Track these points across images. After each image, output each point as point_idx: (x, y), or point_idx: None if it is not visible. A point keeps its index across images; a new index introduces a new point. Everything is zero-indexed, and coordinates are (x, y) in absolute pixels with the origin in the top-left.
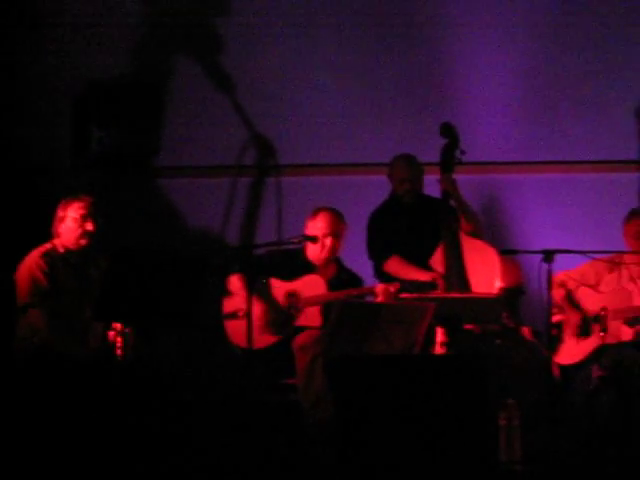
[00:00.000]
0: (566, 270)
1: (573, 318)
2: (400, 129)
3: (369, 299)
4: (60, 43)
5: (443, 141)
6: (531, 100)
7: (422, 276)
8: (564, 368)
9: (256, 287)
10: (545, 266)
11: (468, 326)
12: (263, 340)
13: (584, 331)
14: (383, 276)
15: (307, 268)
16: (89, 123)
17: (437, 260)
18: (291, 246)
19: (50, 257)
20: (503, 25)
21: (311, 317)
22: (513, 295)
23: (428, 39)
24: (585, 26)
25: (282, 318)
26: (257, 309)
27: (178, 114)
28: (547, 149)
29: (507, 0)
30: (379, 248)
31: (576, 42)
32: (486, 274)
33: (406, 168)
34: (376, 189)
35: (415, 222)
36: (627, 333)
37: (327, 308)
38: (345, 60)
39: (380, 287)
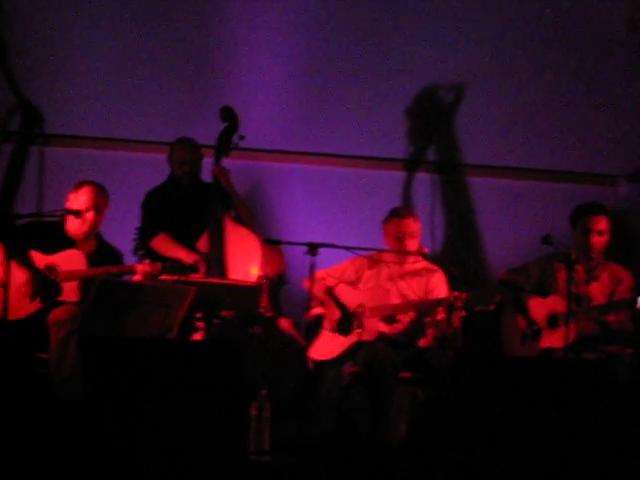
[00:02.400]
0: (327, 267)
1: (333, 314)
2: (175, 110)
3: (128, 277)
4: None
5: (217, 124)
6: (305, 92)
7: (186, 256)
8: (319, 363)
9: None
10: (309, 259)
11: (226, 313)
12: (22, 311)
13: (343, 327)
14: (149, 254)
15: (67, 242)
16: None
17: (203, 244)
18: (51, 218)
19: None
20: (283, 11)
21: (68, 292)
22: (273, 285)
23: (207, 23)
24: (363, 21)
25: (45, 287)
26: (18, 278)
27: None
28: (319, 141)
29: None
30: (150, 225)
31: (353, 36)
32: (246, 262)
33: (186, 151)
34: (145, 167)
35: (189, 205)
36: (383, 331)
37: (85, 284)
38: (125, 36)
39: (140, 266)
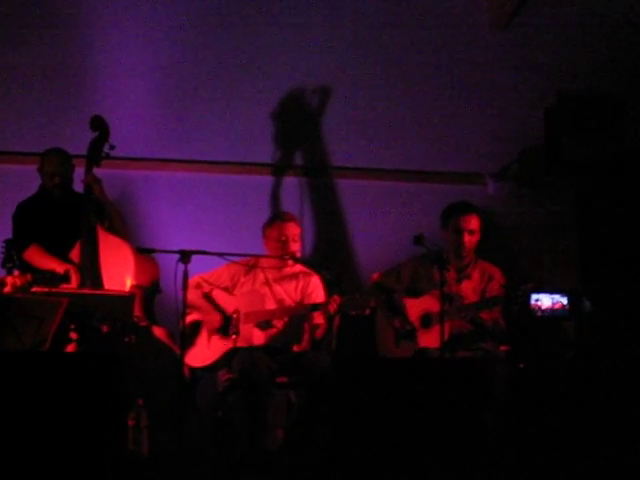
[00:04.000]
0: (202, 273)
1: (213, 318)
2: (45, 121)
3: None
4: None
5: (88, 133)
6: (173, 99)
7: (58, 266)
8: (194, 370)
9: None
10: (181, 266)
11: (102, 325)
12: None
13: (226, 329)
14: (22, 266)
15: None
16: None
17: (76, 254)
18: None
19: None
20: (147, 19)
21: None
22: (147, 293)
23: (77, 34)
24: (227, 27)
25: None
26: None
27: None
28: (183, 148)
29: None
30: (21, 237)
31: (217, 41)
32: (119, 271)
33: (57, 162)
34: (13, 179)
35: (61, 216)
36: (258, 337)
37: None
38: None
39: (10, 278)
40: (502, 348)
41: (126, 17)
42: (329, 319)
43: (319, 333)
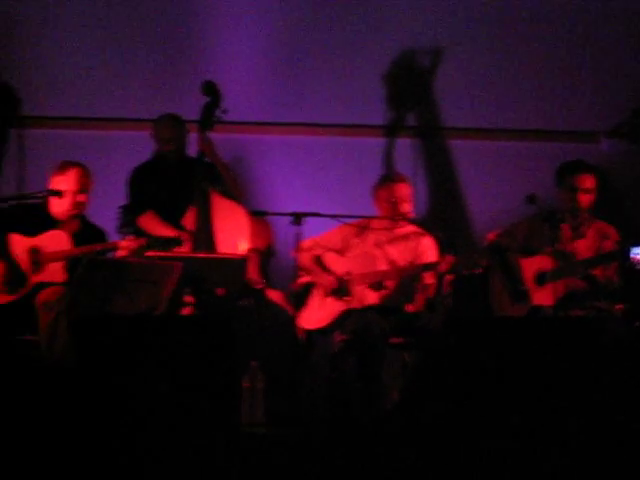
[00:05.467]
0: (314, 236)
1: (326, 280)
2: (157, 87)
3: (113, 254)
4: None
5: (201, 99)
6: (282, 62)
7: (171, 233)
8: (309, 332)
9: None
10: (294, 228)
11: (218, 289)
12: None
13: (340, 291)
14: (136, 231)
15: (50, 223)
16: None
17: (188, 219)
18: (33, 201)
19: None
20: None
21: (54, 273)
22: (261, 257)
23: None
24: None
25: (17, 278)
26: None
27: None
28: (296, 111)
29: None
30: (136, 203)
31: (326, 6)
32: (234, 235)
33: (171, 128)
34: (127, 145)
35: (175, 181)
36: (371, 298)
37: (71, 264)
38: (103, 14)
39: (124, 242)
40: (617, 307)
41: None
42: (440, 278)
43: (430, 293)
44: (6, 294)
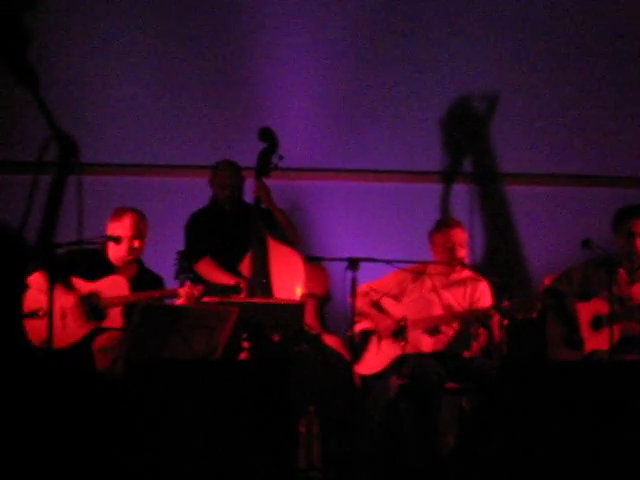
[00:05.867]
0: (370, 281)
1: (384, 323)
2: (214, 134)
3: (171, 301)
4: None
5: (258, 145)
6: (339, 107)
7: (228, 280)
8: (365, 377)
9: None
10: (350, 274)
11: (274, 335)
12: (69, 337)
13: (398, 334)
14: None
15: (108, 268)
16: None
17: (246, 266)
18: (91, 246)
19: None
20: (315, 31)
21: (112, 318)
22: (317, 302)
23: (243, 46)
24: (394, 36)
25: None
26: (65, 302)
27: None
28: (353, 157)
29: (316, 6)
30: (193, 248)
31: (382, 52)
32: (290, 281)
33: (228, 174)
34: (183, 191)
35: (232, 228)
36: (427, 343)
37: (129, 309)
38: (155, 60)
39: (183, 289)
40: None
41: (292, 30)
42: (491, 326)
43: (486, 338)
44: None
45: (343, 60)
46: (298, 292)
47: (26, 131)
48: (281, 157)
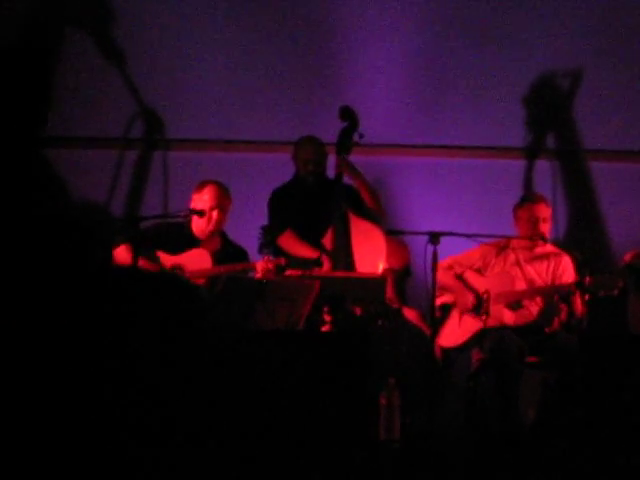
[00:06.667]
0: (453, 255)
1: (465, 298)
2: (297, 110)
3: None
4: None
5: (338, 121)
6: (420, 84)
7: (310, 253)
8: (446, 350)
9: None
10: (431, 248)
11: (355, 307)
12: None
13: (479, 309)
14: (276, 251)
15: (192, 242)
16: None
17: (328, 240)
18: (176, 219)
19: None
20: (396, 8)
21: None
22: (398, 276)
23: (324, 21)
24: (476, 12)
25: None
26: None
27: (67, 84)
28: (434, 133)
29: None
30: (276, 223)
31: (466, 27)
32: (372, 255)
33: (311, 150)
34: (267, 167)
35: (314, 203)
36: (509, 317)
37: (212, 282)
38: (240, 37)
39: (259, 264)
40: None
41: (374, 7)
42: (580, 299)
43: (564, 314)
44: None
45: (425, 36)
46: (380, 266)
47: (113, 108)
48: (361, 135)
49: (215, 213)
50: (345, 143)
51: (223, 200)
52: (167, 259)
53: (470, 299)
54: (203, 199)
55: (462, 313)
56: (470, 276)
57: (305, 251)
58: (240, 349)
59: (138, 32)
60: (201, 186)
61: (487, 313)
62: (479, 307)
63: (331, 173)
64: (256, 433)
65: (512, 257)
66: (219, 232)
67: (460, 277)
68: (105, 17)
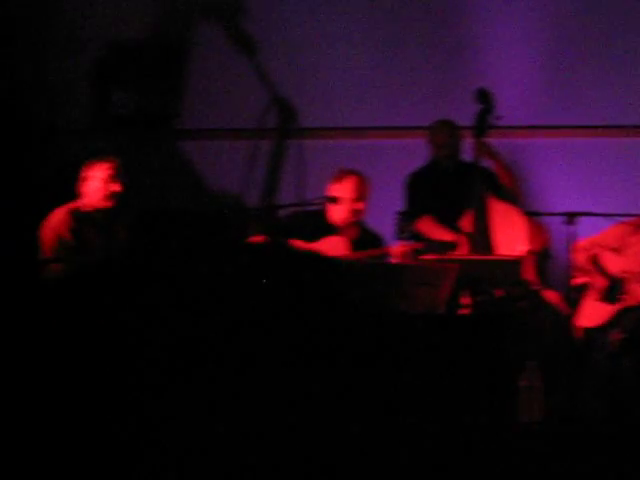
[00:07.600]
0: (590, 236)
1: (599, 282)
2: (430, 94)
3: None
4: (81, 1)
5: (472, 104)
6: (556, 65)
7: (449, 237)
8: (586, 331)
9: None
10: (568, 228)
11: (497, 291)
12: None
13: (610, 296)
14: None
15: (329, 230)
16: (110, 84)
17: (466, 223)
18: (312, 208)
19: (76, 215)
20: None
21: None
22: (538, 258)
23: (458, 5)
24: None
25: None
26: None
27: (201, 76)
28: (570, 114)
29: None
30: (414, 208)
31: (598, 7)
32: (511, 237)
33: (445, 134)
34: (401, 153)
35: (451, 186)
36: None
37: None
38: (373, 23)
39: (395, 248)
40: None
41: None
42: None
43: None
44: None
45: (559, 16)
46: (521, 248)
47: (246, 98)
48: (498, 117)
49: (358, 204)
50: (481, 126)
51: (364, 191)
52: (304, 247)
53: (602, 283)
54: (343, 190)
55: (597, 299)
56: (607, 257)
57: (444, 235)
58: (379, 331)
59: (268, 21)
60: (340, 176)
61: (619, 299)
62: (612, 292)
63: (466, 156)
64: (394, 411)
65: None
66: (358, 221)
67: (594, 259)
68: (235, 8)
